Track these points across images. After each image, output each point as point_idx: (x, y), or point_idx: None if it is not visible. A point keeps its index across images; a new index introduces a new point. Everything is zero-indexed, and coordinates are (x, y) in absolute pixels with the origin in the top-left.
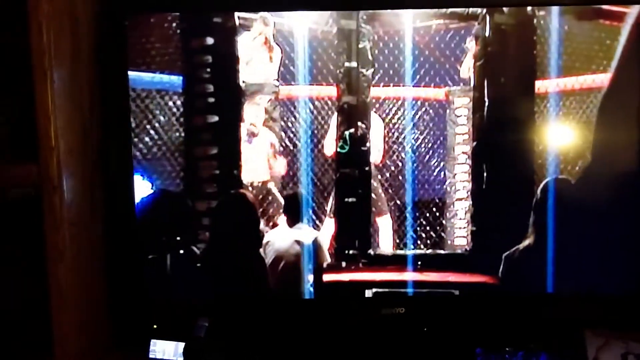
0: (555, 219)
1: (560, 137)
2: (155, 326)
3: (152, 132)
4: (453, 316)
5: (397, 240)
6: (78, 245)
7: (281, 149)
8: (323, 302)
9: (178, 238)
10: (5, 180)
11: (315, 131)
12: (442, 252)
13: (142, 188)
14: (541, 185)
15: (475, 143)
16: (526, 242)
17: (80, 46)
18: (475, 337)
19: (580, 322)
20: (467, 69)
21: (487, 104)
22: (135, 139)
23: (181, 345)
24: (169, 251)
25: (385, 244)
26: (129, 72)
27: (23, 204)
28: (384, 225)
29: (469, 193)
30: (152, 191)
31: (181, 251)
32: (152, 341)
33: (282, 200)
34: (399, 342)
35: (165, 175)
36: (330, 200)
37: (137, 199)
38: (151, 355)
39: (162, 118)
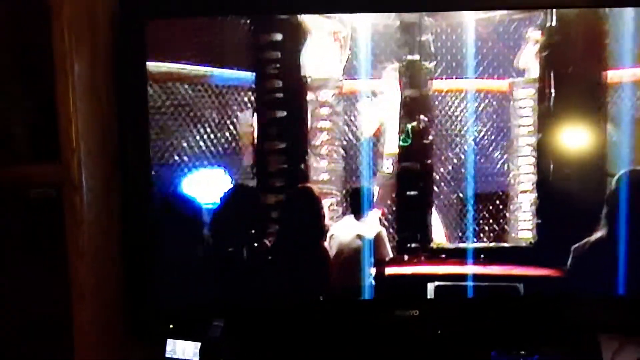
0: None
1: (634, 128)
2: (171, 325)
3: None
4: (468, 319)
5: (460, 234)
6: (97, 244)
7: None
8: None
9: (252, 231)
10: (27, 180)
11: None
12: (505, 245)
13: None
14: (616, 177)
15: (540, 135)
16: (598, 235)
17: (100, 48)
18: (490, 341)
19: (594, 325)
20: (528, 59)
21: (552, 95)
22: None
23: (198, 345)
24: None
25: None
26: (210, 68)
27: (44, 204)
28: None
29: (534, 185)
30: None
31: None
32: (169, 340)
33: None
34: (413, 344)
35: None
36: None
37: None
38: (168, 355)
39: (239, 114)
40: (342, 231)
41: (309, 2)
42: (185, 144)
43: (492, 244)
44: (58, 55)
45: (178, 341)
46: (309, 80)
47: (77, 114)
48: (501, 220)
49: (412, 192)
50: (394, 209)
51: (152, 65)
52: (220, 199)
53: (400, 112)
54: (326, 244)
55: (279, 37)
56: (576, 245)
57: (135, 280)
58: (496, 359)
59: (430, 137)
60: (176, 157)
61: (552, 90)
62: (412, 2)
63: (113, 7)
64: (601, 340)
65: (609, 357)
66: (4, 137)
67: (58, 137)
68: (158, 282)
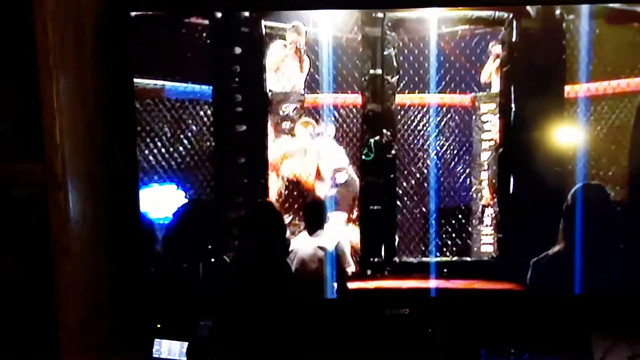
0: (585, 225)
1: (592, 143)
2: (159, 325)
3: (185, 141)
4: (458, 318)
5: (422, 248)
6: (82, 242)
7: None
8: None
9: (209, 247)
10: (10, 178)
11: (340, 139)
12: (467, 259)
13: (175, 197)
14: (572, 191)
15: (502, 149)
16: (556, 249)
17: (85, 45)
18: (480, 339)
19: (586, 324)
20: (489, 74)
21: (513, 109)
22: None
23: (185, 344)
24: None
25: None
26: (163, 82)
27: (27, 202)
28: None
29: (496, 200)
30: (183, 201)
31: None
32: (156, 340)
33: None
34: (403, 342)
35: (197, 184)
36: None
37: (168, 207)
38: (155, 355)
39: (193, 127)
40: (303, 245)
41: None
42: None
43: (455, 258)
44: (41, 51)
45: (165, 341)
46: (270, 94)
47: (62, 111)
48: (464, 235)
49: (376, 207)
50: (358, 223)
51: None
52: (177, 211)
53: (362, 127)
54: (288, 259)
55: (238, 50)
56: (535, 259)
57: (122, 280)
58: (486, 357)
59: (393, 152)
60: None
61: (513, 105)
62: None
63: (97, 1)
64: (592, 338)
65: (599, 355)
66: None
67: (42, 134)
68: (145, 280)
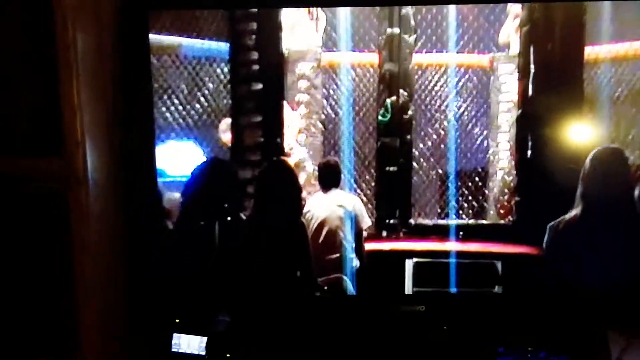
0: (603, 189)
1: (612, 106)
2: (177, 320)
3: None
4: (475, 315)
5: (439, 210)
6: (102, 238)
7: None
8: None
9: (225, 205)
10: (31, 174)
11: (357, 99)
12: (484, 222)
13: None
14: (590, 155)
15: (520, 111)
16: (573, 213)
17: (104, 40)
18: (498, 337)
19: (603, 322)
20: (507, 34)
21: (533, 71)
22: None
23: (204, 339)
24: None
25: None
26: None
27: (48, 198)
28: None
29: (513, 162)
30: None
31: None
32: (175, 335)
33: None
34: (420, 340)
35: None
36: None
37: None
38: (174, 349)
39: (210, 85)
40: (320, 205)
41: None
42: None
43: (472, 221)
44: (61, 48)
45: (184, 335)
46: (286, 52)
47: (82, 108)
48: (480, 197)
49: (392, 168)
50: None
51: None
52: (194, 172)
53: (379, 87)
54: (304, 218)
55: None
56: (552, 223)
57: (141, 274)
58: (503, 355)
59: (410, 112)
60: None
61: (532, 66)
62: None
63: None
64: (609, 337)
65: (616, 353)
66: (8, 130)
67: (62, 130)
68: (164, 275)
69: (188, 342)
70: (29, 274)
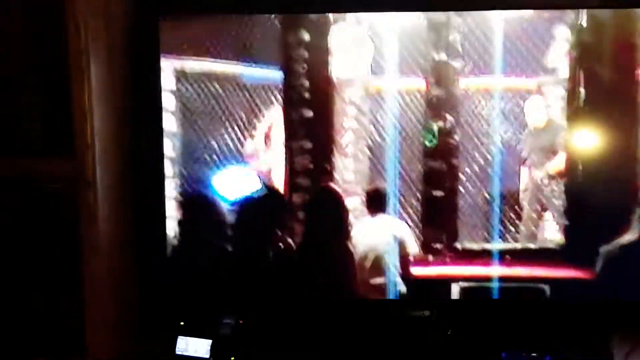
0: None
1: None
2: (182, 323)
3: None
4: (479, 320)
5: (486, 234)
6: (110, 239)
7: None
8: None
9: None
10: (41, 175)
11: (404, 124)
12: (532, 246)
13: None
14: None
15: (569, 134)
16: (627, 237)
17: (115, 45)
18: (501, 342)
19: (607, 327)
20: (556, 58)
21: (582, 94)
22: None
23: (209, 342)
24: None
25: None
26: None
27: (57, 199)
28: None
29: (563, 186)
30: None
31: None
32: (180, 337)
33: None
34: (425, 344)
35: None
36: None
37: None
38: (178, 352)
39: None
40: (367, 230)
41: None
42: (213, 142)
43: (519, 245)
44: (73, 52)
45: (189, 338)
46: (335, 79)
47: (92, 111)
48: (528, 221)
49: (438, 193)
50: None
51: (182, 64)
52: (244, 197)
53: (425, 112)
54: (350, 243)
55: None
56: (605, 247)
57: (147, 277)
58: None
59: (457, 137)
60: (204, 155)
61: (582, 90)
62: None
63: (127, 4)
64: (613, 342)
65: (620, 358)
66: (19, 132)
67: (73, 133)
68: (170, 278)
69: (193, 345)
70: (37, 274)
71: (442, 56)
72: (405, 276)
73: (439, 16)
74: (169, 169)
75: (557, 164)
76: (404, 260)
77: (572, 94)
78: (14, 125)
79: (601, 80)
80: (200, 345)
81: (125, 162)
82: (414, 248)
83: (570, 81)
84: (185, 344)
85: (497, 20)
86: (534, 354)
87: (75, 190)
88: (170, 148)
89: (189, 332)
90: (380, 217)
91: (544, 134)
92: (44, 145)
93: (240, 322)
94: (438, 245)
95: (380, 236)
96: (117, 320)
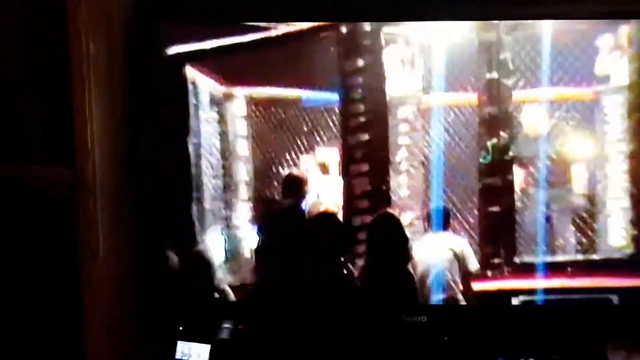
0: None
1: None
2: (181, 327)
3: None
4: (475, 326)
5: (545, 247)
6: (109, 245)
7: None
8: None
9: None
10: (41, 182)
11: (458, 141)
12: (595, 257)
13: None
14: None
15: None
16: None
17: (115, 52)
18: (497, 348)
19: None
20: (608, 67)
21: None
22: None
23: (208, 347)
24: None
25: None
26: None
27: (57, 205)
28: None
29: (628, 194)
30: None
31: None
32: (179, 342)
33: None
34: (420, 350)
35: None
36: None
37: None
38: (178, 357)
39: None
40: (425, 248)
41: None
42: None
43: (582, 257)
44: (75, 60)
45: (188, 343)
46: (389, 99)
47: (92, 119)
48: (589, 232)
49: (494, 209)
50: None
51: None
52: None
53: (479, 129)
54: (410, 266)
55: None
56: None
57: (146, 282)
58: None
59: (511, 153)
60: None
61: None
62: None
63: (127, 10)
64: (608, 348)
65: None
66: (19, 138)
67: (73, 139)
68: (169, 283)
69: (192, 350)
70: (37, 279)
71: (494, 75)
72: (467, 293)
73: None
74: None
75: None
76: (466, 277)
77: (633, 103)
78: (17, 132)
79: None
80: (199, 350)
81: (124, 168)
82: (475, 265)
83: (631, 90)
84: (185, 349)
85: (548, 32)
86: (531, 359)
87: (75, 195)
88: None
89: (188, 337)
90: (442, 234)
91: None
92: (44, 151)
93: (240, 327)
94: (496, 260)
95: (443, 253)
96: (117, 325)
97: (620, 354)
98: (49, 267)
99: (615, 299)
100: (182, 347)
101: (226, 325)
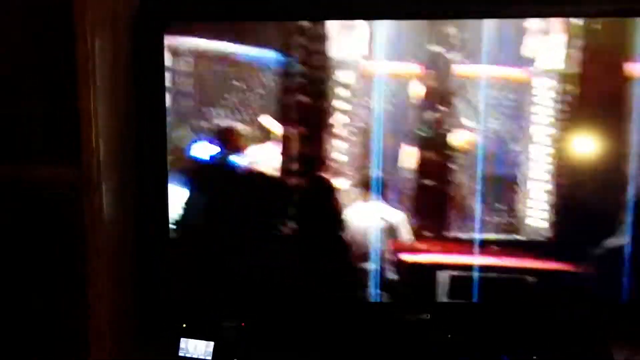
0: None
1: None
2: (184, 325)
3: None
4: (478, 324)
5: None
6: (114, 244)
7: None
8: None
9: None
10: (47, 181)
11: (398, 110)
12: (519, 238)
13: None
14: None
15: (560, 127)
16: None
17: (120, 51)
18: (501, 345)
19: (606, 332)
20: (533, 48)
21: (577, 86)
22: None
23: (211, 344)
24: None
25: None
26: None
27: (62, 204)
28: None
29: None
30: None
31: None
32: (182, 339)
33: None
34: (423, 348)
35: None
36: None
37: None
38: (181, 354)
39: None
40: (359, 216)
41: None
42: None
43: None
44: (81, 59)
45: (191, 340)
46: (329, 62)
47: (98, 117)
48: (512, 212)
49: (429, 182)
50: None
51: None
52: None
53: (420, 102)
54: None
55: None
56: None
57: (149, 279)
58: None
59: (447, 127)
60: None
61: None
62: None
63: (133, 10)
64: (612, 347)
65: None
66: (27, 139)
67: (78, 138)
68: (172, 281)
69: (195, 347)
70: (41, 278)
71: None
72: (397, 264)
73: None
74: None
75: None
76: (397, 248)
77: (562, 85)
78: (22, 132)
79: (593, 74)
80: (202, 348)
81: (129, 167)
82: (408, 237)
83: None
84: (188, 346)
85: None
86: (534, 358)
87: (79, 194)
88: None
89: (191, 334)
90: (375, 203)
91: None
92: (49, 149)
93: (243, 324)
94: (427, 233)
95: (375, 222)
96: (120, 322)
97: (625, 352)
98: (54, 265)
99: (532, 280)
100: (185, 344)
101: (229, 323)
